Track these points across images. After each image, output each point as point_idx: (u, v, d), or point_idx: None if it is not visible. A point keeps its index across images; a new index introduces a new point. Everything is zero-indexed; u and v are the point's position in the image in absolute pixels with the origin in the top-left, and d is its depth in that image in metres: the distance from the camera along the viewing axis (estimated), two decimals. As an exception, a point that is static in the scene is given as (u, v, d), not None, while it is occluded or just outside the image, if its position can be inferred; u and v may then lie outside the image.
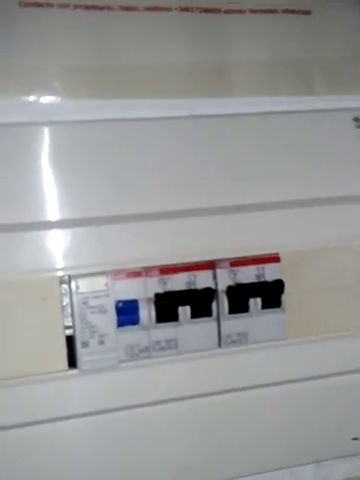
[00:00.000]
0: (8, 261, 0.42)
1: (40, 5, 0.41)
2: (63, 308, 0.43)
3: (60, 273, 0.43)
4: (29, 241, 0.42)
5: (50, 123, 0.43)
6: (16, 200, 0.42)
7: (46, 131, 0.42)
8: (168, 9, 0.45)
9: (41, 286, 0.42)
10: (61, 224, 0.42)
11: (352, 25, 0.50)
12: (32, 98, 0.42)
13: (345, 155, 0.49)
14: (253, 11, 0.47)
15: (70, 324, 0.43)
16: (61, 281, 0.43)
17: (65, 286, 0.43)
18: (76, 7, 0.42)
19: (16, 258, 0.42)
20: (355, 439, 0.50)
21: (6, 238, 0.42)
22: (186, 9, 0.45)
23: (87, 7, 0.42)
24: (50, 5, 0.41)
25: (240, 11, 0.46)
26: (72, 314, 0.42)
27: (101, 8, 0.43)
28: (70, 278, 0.42)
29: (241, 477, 0.48)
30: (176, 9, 0.45)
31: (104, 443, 0.44)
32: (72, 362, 0.43)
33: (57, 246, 0.42)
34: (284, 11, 0.48)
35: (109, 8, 0.43)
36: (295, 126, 0.48)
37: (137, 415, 0.44)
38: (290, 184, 0.48)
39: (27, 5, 0.41)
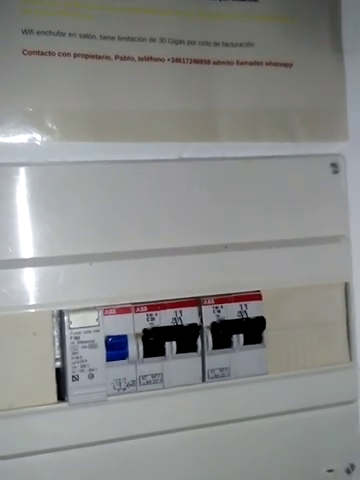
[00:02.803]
0: (1, 296, 0.43)
1: (42, 53, 0.43)
2: (54, 342, 0.44)
3: (52, 308, 0.44)
4: (22, 277, 0.43)
5: (46, 164, 0.45)
6: (11, 237, 0.43)
7: (43, 171, 0.44)
8: (161, 59, 0.47)
9: (33, 321, 0.43)
10: (54, 261, 0.44)
11: (330, 77, 0.53)
12: (30, 140, 0.44)
13: (323, 198, 0.52)
14: (240, 63, 0.50)
15: (59, 357, 0.44)
16: (53, 315, 0.44)
17: (55, 321, 0.44)
18: (76, 56, 0.44)
19: (9, 293, 0.43)
20: (330, 471, 0.52)
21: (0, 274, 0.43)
22: (178, 60, 0.48)
23: (86, 56, 0.45)
24: (52, 54, 0.44)
25: (228, 62, 0.49)
26: (63, 348, 0.43)
27: (99, 57, 0.45)
28: (63, 313, 0.44)
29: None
30: (169, 60, 0.47)
31: (93, 475, 0.45)
32: (60, 395, 0.44)
33: (50, 282, 0.43)
34: (268, 63, 0.51)
35: (107, 57, 0.45)
36: (276, 170, 0.51)
37: (124, 448, 0.45)
38: (272, 225, 0.50)
39: (30, 53, 0.43)
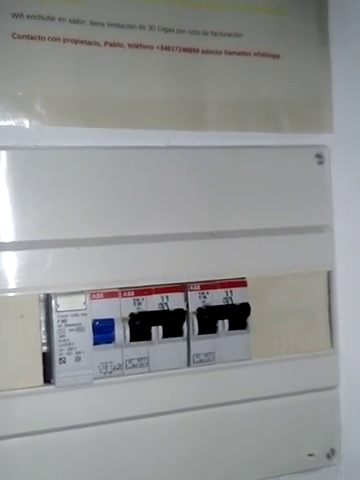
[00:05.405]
0: (-12, 279, 0.43)
1: (32, 38, 0.43)
2: (41, 325, 0.44)
3: (39, 291, 0.44)
4: (10, 260, 0.43)
5: (35, 148, 0.45)
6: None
7: (31, 155, 0.44)
8: (150, 47, 0.48)
9: (20, 303, 0.44)
10: (42, 244, 0.44)
11: (316, 70, 0.54)
12: (19, 124, 0.44)
13: (308, 189, 0.53)
14: (228, 53, 0.50)
15: (46, 341, 0.44)
16: (40, 299, 0.44)
17: (42, 304, 0.44)
18: (66, 41, 0.45)
19: (-4, 276, 0.43)
20: (311, 455, 0.53)
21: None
22: (167, 48, 0.48)
23: (76, 41, 0.45)
24: (41, 38, 0.44)
25: (217, 52, 0.50)
26: (51, 331, 0.44)
27: (89, 43, 0.45)
28: (50, 296, 0.44)
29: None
30: (158, 47, 0.48)
31: (78, 457, 0.45)
32: (46, 378, 0.44)
33: (38, 265, 0.44)
34: (256, 54, 0.52)
35: (96, 43, 0.46)
36: (263, 160, 0.52)
37: (110, 430, 0.46)
38: (258, 214, 0.51)
39: (20, 37, 0.43)
